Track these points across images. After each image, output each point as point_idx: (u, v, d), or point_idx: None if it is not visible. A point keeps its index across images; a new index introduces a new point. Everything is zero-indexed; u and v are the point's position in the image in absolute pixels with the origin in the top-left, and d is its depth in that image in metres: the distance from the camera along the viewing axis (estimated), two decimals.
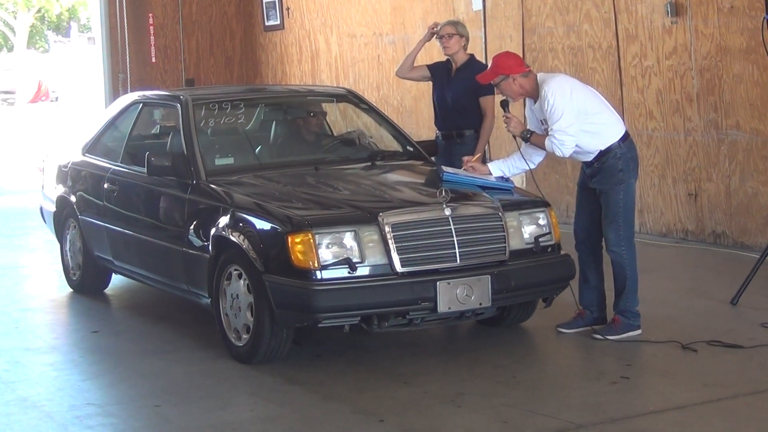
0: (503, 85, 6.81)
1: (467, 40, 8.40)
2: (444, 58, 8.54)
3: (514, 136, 6.94)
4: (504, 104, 6.96)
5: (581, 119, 6.65)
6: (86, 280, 8.50)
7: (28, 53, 42.34)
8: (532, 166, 7.00)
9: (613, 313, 6.86)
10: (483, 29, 11.46)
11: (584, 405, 5.64)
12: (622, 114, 9.77)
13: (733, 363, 6.28)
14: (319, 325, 6.20)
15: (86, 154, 8.50)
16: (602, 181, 6.78)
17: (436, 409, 5.63)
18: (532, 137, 6.81)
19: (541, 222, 6.67)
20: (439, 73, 8.53)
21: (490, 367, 6.33)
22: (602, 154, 6.75)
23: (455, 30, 8.33)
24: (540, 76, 6.84)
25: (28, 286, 9.18)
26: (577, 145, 6.70)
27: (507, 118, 6.86)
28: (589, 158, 6.80)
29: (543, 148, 6.77)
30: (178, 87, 14.54)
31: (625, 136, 6.81)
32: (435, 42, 8.51)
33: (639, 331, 6.77)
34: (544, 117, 6.73)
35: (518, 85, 6.77)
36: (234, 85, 14.43)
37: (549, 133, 6.68)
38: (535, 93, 6.79)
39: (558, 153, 6.71)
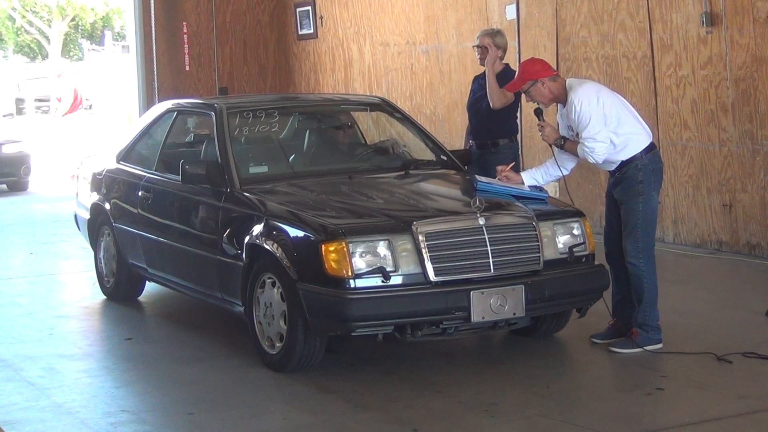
0: (533, 91, 6.77)
1: (504, 51, 8.41)
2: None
3: (549, 144, 6.92)
4: (537, 112, 6.94)
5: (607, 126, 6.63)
6: (120, 287, 8.53)
7: (62, 61, 42.65)
8: (566, 173, 6.97)
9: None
10: (517, 38, 11.44)
11: (619, 416, 5.61)
12: (656, 124, 9.74)
13: None
14: (353, 334, 6.21)
15: (121, 162, 8.54)
16: (622, 191, 6.73)
17: (469, 419, 5.62)
18: (566, 144, 6.78)
19: (576, 232, 6.64)
20: (474, 83, 8.54)
21: (524, 377, 6.32)
22: (624, 164, 6.71)
23: (492, 41, 8.34)
24: (569, 81, 6.82)
25: (62, 293, 9.24)
26: None
27: (541, 126, 6.84)
28: (612, 167, 6.77)
29: (576, 155, 6.75)
30: (211, 95, 14.60)
31: (650, 148, 6.74)
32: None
33: (660, 345, 6.68)
34: (571, 123, 6.72)
35: (547, 89, 6.74)
36: (267, 94, 14.46)
37: (579, 140, 6.66)
38: (563, 98, 6.77)
39: (590, 160, 6.70)
